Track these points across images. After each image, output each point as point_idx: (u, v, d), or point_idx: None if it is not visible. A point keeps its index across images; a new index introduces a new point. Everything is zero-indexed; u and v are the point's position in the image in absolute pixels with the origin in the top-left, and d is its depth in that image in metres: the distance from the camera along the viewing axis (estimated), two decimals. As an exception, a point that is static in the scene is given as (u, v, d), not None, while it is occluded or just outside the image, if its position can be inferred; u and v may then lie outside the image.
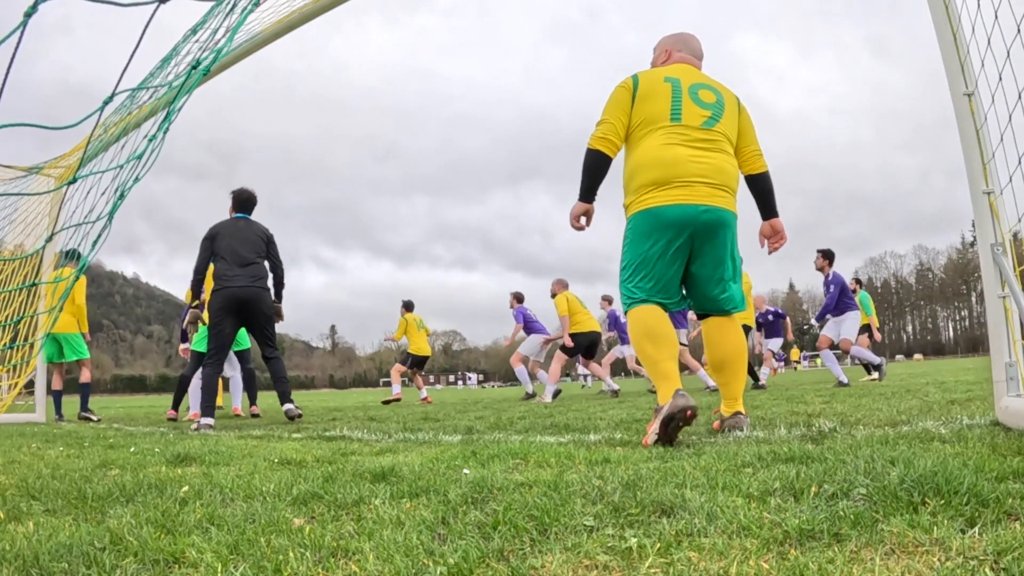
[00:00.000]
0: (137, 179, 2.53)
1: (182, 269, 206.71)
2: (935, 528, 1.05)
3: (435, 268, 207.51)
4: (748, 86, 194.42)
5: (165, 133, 2.57)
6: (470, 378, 66.71)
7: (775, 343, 10.18)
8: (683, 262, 2.76)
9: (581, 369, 8.48)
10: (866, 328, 10.70)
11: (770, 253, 3.02)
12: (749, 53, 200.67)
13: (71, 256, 6.27)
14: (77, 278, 3.44)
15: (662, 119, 2.75)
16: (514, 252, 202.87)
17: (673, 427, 2.38)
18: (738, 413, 2.82)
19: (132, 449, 3.01)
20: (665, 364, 2.60)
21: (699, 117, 2.76)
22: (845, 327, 8.35)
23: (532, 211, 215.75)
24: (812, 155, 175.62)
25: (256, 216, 5.48)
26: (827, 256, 8.56)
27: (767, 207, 2.97)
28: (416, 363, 10.07)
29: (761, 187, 2.93)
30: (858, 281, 11.68)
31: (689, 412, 2.35)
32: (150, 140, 2.53)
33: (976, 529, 1.05)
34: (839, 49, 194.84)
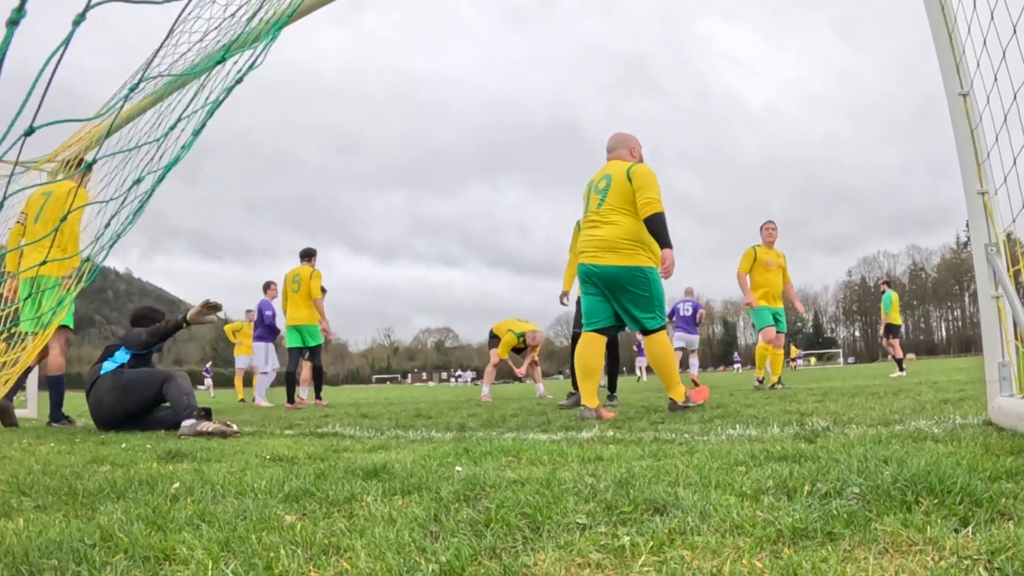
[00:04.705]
0: (161, 178, 2.39)
1: (165, 263, 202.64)
2: (928, 527, 1.05)
3: (417, 264, 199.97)
4: (719, 80, 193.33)
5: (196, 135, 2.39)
6: (462, 375, 66.43)
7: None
8: (605, 299, 3.99)
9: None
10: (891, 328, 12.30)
11: (662, 276, 3.94)
12: (716, 43, 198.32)
13: (84, 167, 4.83)
14: (92, 279, 3.28)
15: (584, 212, 4.17)
16: (495, 248, 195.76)
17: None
18: (672, 400, 4.03)
19: (123, 445, 3.00)
20: (585, 384, 3.90)
21: (595, 203, 4.03)
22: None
23: (507, 204, 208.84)
24: (790, 149, 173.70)
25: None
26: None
27: (659, 242, 3.87)
28: None
29: (650, 227, 3.85)
30: (887, 283, 13.45)
31: (582, 418, 3.72)
32: (185, 147, 2.35)
33: (970, 528, 1.05)
34: (808, 37, 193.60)
